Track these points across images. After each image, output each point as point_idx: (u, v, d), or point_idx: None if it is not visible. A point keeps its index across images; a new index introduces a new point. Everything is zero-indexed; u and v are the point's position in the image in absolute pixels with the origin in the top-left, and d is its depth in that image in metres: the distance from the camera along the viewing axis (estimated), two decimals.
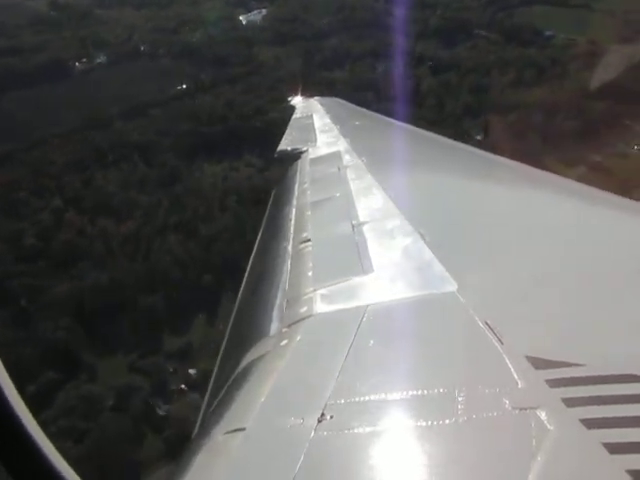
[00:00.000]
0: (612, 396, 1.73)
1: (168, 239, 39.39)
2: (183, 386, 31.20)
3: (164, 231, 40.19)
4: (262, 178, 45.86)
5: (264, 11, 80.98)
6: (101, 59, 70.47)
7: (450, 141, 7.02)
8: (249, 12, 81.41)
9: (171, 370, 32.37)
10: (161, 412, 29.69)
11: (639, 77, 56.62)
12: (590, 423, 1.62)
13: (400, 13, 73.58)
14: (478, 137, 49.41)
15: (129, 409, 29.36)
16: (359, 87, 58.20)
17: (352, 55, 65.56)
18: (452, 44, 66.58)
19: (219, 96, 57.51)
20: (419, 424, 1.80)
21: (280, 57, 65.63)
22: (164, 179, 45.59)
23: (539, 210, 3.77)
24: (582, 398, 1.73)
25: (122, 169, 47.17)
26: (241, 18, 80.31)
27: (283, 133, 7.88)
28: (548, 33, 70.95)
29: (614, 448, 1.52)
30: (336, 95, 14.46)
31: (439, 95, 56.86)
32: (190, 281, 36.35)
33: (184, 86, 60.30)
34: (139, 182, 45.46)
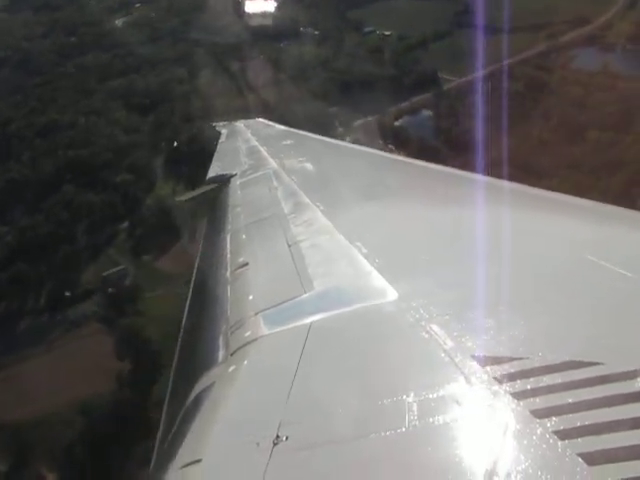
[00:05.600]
0: (555, 385, 1.82)
1: None
2: None
3: None
4: None
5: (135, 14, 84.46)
6: None
7: (380, 153, 7.12)
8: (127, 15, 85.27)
9: None
10: None
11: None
12: (539, 413, 1.72)
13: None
14: None
15: None
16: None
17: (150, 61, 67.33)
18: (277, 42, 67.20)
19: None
20: (375, 435, 1.81)
21: (88, 65, 68.50)
22: None
23: (470, 215, 3.78)
24: (529, 390, 1.83)
25: None
26: (117, 22, 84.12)
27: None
28: (367, 29, 69.41)
29: (564, 434, 1.61)
30: None
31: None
32: None
33: None
34: None
